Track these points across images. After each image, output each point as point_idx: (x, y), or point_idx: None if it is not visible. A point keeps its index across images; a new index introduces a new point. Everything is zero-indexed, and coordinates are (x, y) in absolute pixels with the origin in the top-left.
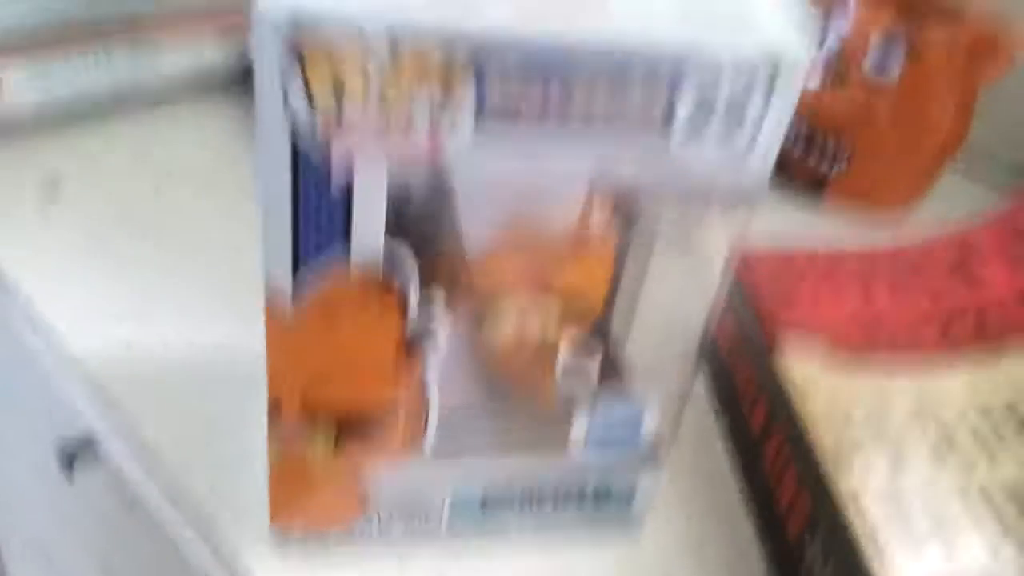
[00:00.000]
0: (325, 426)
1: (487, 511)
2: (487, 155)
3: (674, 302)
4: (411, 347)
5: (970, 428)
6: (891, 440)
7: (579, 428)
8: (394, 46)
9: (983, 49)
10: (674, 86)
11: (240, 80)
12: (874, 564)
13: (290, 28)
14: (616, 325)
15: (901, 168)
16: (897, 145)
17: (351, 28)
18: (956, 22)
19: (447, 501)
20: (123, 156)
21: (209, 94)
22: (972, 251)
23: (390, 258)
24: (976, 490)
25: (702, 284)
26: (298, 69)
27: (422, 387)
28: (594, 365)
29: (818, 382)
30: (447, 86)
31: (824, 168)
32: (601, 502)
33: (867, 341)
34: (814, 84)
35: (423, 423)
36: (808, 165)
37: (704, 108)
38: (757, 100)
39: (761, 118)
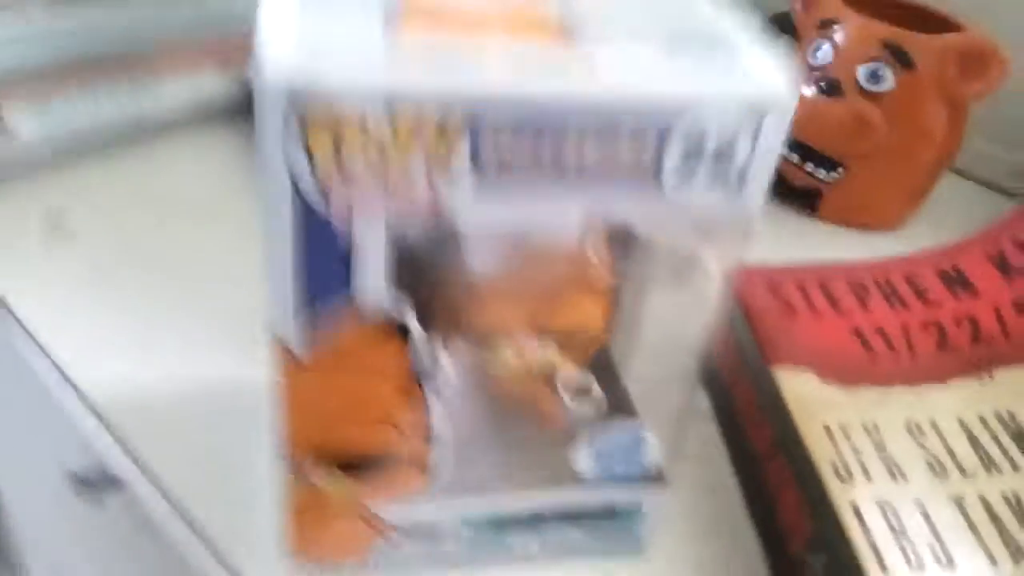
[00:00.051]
0: (335, 464)
1: (498, 535)
2: (484, 207)
3: (673, 326)
4: (416, 386)
5: (968, 438)
6: (890, 452)
7: (584, 453)
8: (390, 108)
9: (975, 62)
10: (662, 137)
11: (239, 109)
12: None
13: (292, 93)
14: (617, 351)
15: (896, 179)
16: (892, 156)
17: (349, 93)
18: (949, 35)
19: (459, 527)
20: (126, 189)
21: (209, 124)
22: (966, 260)
23: (392, 301)
24: (975, 500)
25: (700, 308)
26: (300, 129)
27: (429, 424)
28: (596, 392)
29: (816, 397)
30: (443, 143)
31: (819, 179)
32: (609, 523)
33: (864, 353)
34: (809, 96)
35: (432, 458)
36: (803, 176)
37: (693, 155)
38: (745, 144)
39: (750, 159)
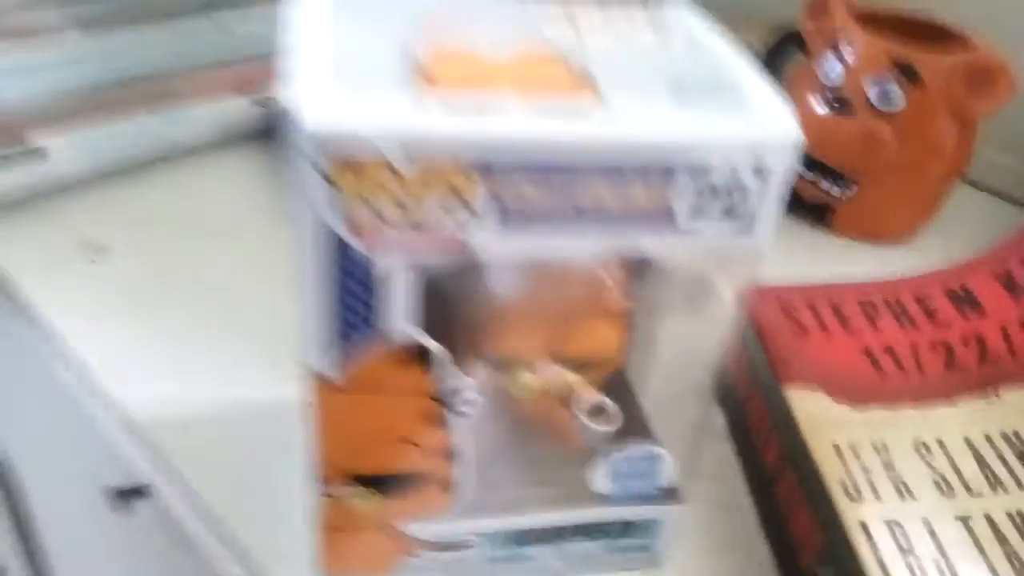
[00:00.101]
0: (363, 482)
1: (518, 549)
2: (504, 243)
3: (687, 346)
4: (440, 408)
5: (974, 457)
6: (898, 470)
7: (602, 472)
8: (415, 153)
9: (983, 79)
10: (673, 178)
11: (263, 132)
12: None
13: (322, 140)
14: (632, 371)
15: (907, 194)
16: (902, 172)
17: (376, 139)
18: (958, 50)
19: (480, 542)
20: (156, 210)
21: (234, 147)
22: (974, 279)
23: (418, 329)
24: (980, 518)
25: (714, 329)
26: (331, 174)
27: (452, 445)
28: (613, 412)
29: (826, 416)
30: (465, 186)
31: (831, 195)
32: (626, 537)
33: (874, 373)
34: (821, 113)
35: (455, 477)
36: (816, 192)
37: (704, 194)
38: (752, 182)
39: (758, 195)
